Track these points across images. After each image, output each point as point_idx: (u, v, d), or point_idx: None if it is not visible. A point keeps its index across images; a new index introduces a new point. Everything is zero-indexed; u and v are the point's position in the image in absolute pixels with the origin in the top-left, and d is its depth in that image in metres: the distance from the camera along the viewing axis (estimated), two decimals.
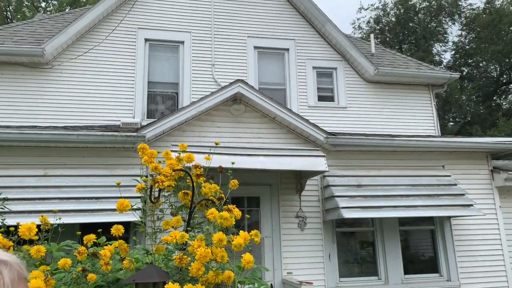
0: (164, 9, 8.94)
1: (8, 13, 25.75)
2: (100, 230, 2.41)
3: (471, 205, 6.65)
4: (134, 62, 8.51)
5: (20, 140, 5.81)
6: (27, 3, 26.09)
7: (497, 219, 7.26)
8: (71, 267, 2.03)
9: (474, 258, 7.06)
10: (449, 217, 7.09)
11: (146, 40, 8.73)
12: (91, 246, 2.19)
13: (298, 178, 6.68)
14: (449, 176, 7.13)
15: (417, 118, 9.56)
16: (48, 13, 23.10)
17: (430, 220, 7.25)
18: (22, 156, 5.95)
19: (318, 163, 5.86)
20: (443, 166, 7.30)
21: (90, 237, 2.17)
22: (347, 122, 9.05)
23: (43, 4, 27.46)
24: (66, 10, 23.31)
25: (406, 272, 6.92)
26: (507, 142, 7.57)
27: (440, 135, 9.65)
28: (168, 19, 8.90)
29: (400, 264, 6.87)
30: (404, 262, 6.93)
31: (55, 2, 27.22)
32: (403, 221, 7.13)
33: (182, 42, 8.87)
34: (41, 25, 9.10)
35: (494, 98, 26.81)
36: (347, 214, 5.96)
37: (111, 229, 2.16)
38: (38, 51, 7.69)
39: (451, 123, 26.46)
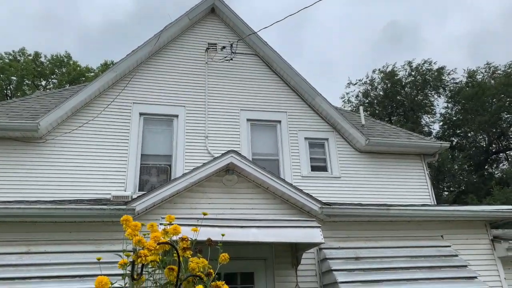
0: (159, 85, 9.24)
1: (9, 91, 26.55)
2: None
3: (475, 277, 6.35)
4: (128, 136, 8.58)
5: (4, 216, 5.61)
6: (27, 81, 27.03)
7: None
8: None
9: None
10: None
11: (141, 114, 8.90)
12: None
13: (294, 251, 6.41)
14: (449, 246, 6.89)
15: (411, 188, 9.51)
16: (48, 91, 23.84)
17: None
18: (5, 233, 5.70)
19: (314, 234, 5.66)
20: (441, 236, 7.09)
21: None
22: (341, 192, 8.96)
23: (43, 83, 28.45)
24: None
25: None
26: (505, 210, 7.43)
27: (436, 204, 9.53)
28: (163, 94, 9.16)
29: None
30: None
31: (55, 81, 28.23)
32: None
33: (176, 116, 9.04)
34: (38, 101, 9.31)
35: (486, 167, 27.09)
36: None
37: None
38: (32, 126, 7.77)
39: (446, 193, 26.42)
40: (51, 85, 28.28)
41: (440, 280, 6.21)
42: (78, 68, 28.67)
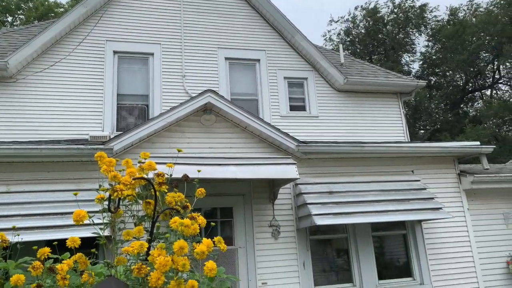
0: (132, 21, 8.86)
1: None
2: (55, 243, 2.30)
3: (440, 208, 6.79)
4: (102, 75, 8.36)
5: None
6: None
7: (465, 221, 7.42)
8: (28, 284, 1.92)
9: (446, 260, 7.18)
10: (420, 221, 7.21)
11: (115, 52, 8.61)
12: (55, 262, 2.09)
13: (271, 187, 6.66)
14: (419, 180, 7.27)
15: (387, 125, 9.75)
16: (15, 27, 22.57)
17: (402, 224, 7.35)
18: None
19: (289, 170, 5.86)
20: (412, 171, 7.44)
21: (44, 251, 2.07)
22: (319, 131, 9.14)
23: (9, 19, 26.83)
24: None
25: (380, 277, 6.96)
26: (472, 146, 7.81)
27: (409, 141, 9.86)
28: (137, 31, 8.82)
29: (374, 270, 6.90)
30: (378, 268, 6.97)
31: (22, 17, 26.64)
32: (376, 227, 7.19)
33: (152, 54, 8.79)
34: (5, 38, 8.86)
35: (461, 106, 27.74)
36: (320, 221, 5.97)
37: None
38: (1, 64, 7.46)
39: (422, 131, 27.17)
40: (18, 22, 26.68)
41: (408, 211, 6.63)
42: (46, 2, 26.96)
